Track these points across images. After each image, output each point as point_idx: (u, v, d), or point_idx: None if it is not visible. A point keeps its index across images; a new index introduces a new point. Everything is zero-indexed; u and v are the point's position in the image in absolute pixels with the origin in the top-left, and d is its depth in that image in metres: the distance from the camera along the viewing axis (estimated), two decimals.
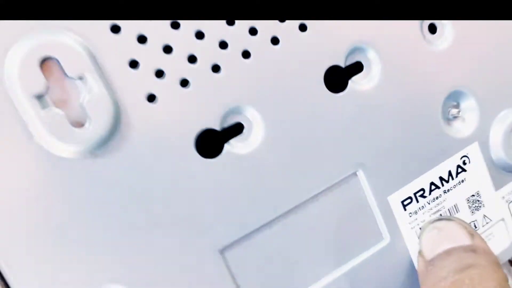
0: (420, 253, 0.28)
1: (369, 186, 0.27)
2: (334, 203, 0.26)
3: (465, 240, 0.27)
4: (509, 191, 0.32)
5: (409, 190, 0.29)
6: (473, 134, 0.30)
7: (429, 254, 0.27)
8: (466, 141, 0.30)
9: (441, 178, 0.30)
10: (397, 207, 0.29)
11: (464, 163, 0.30)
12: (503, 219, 0.32)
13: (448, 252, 0.26)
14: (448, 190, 0.30)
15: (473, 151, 0.30)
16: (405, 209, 0.30)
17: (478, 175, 0.31)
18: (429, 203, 0.31)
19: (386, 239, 0.28)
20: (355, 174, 0.27)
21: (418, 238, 0.29)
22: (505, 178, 0.31)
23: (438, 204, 0.33)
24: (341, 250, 0.27)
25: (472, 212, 0.31)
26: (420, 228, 0.29)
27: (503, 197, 0.32)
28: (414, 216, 0.32)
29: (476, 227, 0.31)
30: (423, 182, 0.29)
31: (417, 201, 0.30)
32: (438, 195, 0.30)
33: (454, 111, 0.30)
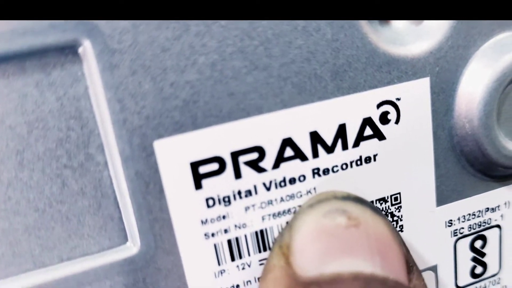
0: (283, 255, 0.14)
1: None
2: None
3: (398, 269, 0.13)
4: (463, 212, 0.17)
5: (217, 144, 0.14)
6: (425, 55, 0.15)
7: (309, 268, 0.13)
8: (405, 69, 0.15)
9: (315, 138, 0.15)
10: (177, 176, 0.14)
11: (385, 120, 0.15)
12: (435, 267, 0.18)
13: (355, 277, 0.13)
14: (325, 171, 0.15)
15: (415, 95, 0.15)
16: (199, 186, 0.14)
17: (407, 156, 0.16)
18: (267, 187, 0.15)
19: (134, 245, 0.14)
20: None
21: (282, 230, 0.15)
22: (466, 182, 0.17)
23: (287, 195, 0.15)
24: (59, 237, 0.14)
25: None
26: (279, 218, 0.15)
27: (448, 223, 0.17)
28: (217, 209, 0.15)
29: None
30: (259, 135, 0.14)
31: (238, 175, 0.14)
32: (294, 175, 0.15)
33: None
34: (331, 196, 0.14)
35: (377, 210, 0.14)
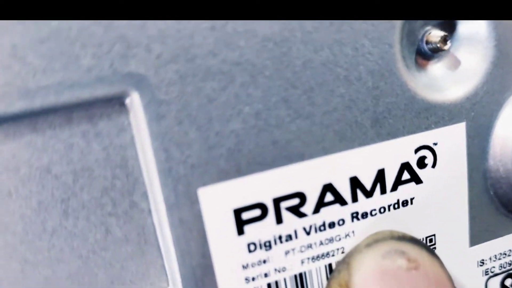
0: None
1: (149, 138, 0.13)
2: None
3: None
4: (495, 252, 0.17)
5: (260, 191, 0.14)
6: (461, 101, 0.15)
7: None
8: (442, 114, 0.15)
9: (354, 183, 0.15)
10: (220, 223, 0.14)
11: (422, 164, 0.15)
12: None
13: None
14: (363, 215, 0.15)
15: (451, 139, 0.15)
16: (241, 231, 0.14)
17: (442, 198, 0.16)
18: (307, 232, 0.15)
19: None
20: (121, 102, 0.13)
21: (338, 267, 0.15)
22: (498, 223, 0.17)
23: (327, 238, 0.15)
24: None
25: None
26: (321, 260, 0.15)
27: (480, 263, 0.17)
28: (258, 254, 0.15)
29: None
30: (301, 181, 0.14)
31: (280, 220, 0.14)
32: (333, 220, 0.15)
33: (435, 36, 0.15)
34: (387, 236, 0.15)
35: (431, 251, 0.14)
